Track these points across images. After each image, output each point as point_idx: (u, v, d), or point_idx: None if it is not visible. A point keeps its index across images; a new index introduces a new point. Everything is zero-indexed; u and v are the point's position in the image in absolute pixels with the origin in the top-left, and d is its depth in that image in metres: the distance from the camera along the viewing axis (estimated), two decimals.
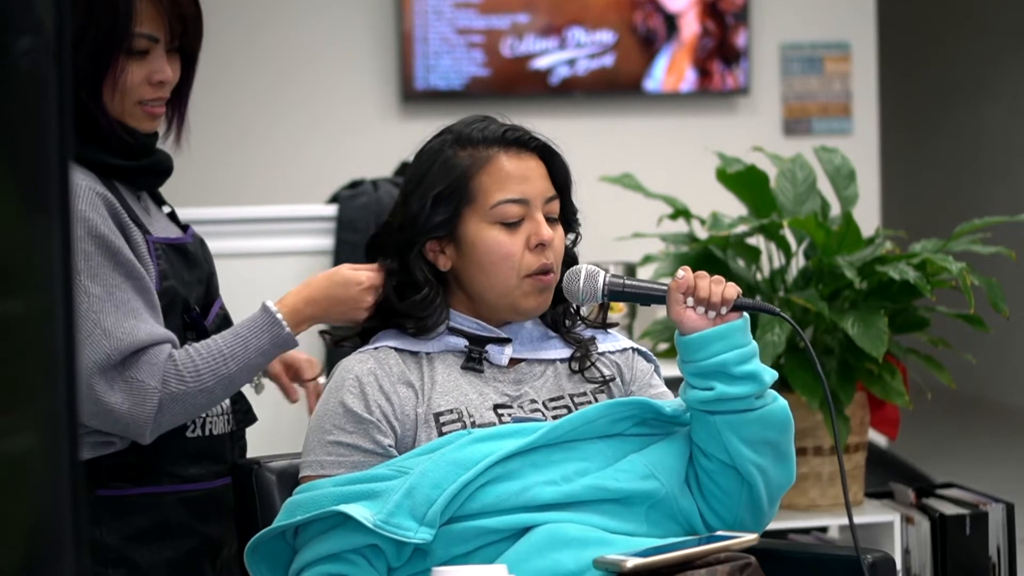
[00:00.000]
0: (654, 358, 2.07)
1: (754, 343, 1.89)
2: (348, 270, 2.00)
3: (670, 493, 1.87)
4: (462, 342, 1.94)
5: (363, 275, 1.98)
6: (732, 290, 1.87)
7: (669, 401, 1.95)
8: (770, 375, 1.89)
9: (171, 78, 2.00)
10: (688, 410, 1.92)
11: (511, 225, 1.93)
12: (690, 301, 1.87)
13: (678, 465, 1.90)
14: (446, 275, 1.97)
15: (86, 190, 1.90)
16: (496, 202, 1.92)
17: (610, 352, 2.03)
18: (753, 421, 1.88)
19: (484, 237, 1.93)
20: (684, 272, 1.88)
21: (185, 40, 2.01)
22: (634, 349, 2.05)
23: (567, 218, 2.01)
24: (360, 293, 1.97)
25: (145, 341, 1.87)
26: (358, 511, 1.75)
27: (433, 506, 1.74)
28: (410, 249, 1.94)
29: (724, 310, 1.87)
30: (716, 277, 1.88)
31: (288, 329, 1.96)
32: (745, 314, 1.90)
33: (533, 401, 1.93)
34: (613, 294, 1.93)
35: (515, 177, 1.93)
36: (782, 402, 1.92)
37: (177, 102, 2.06)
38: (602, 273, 1.93)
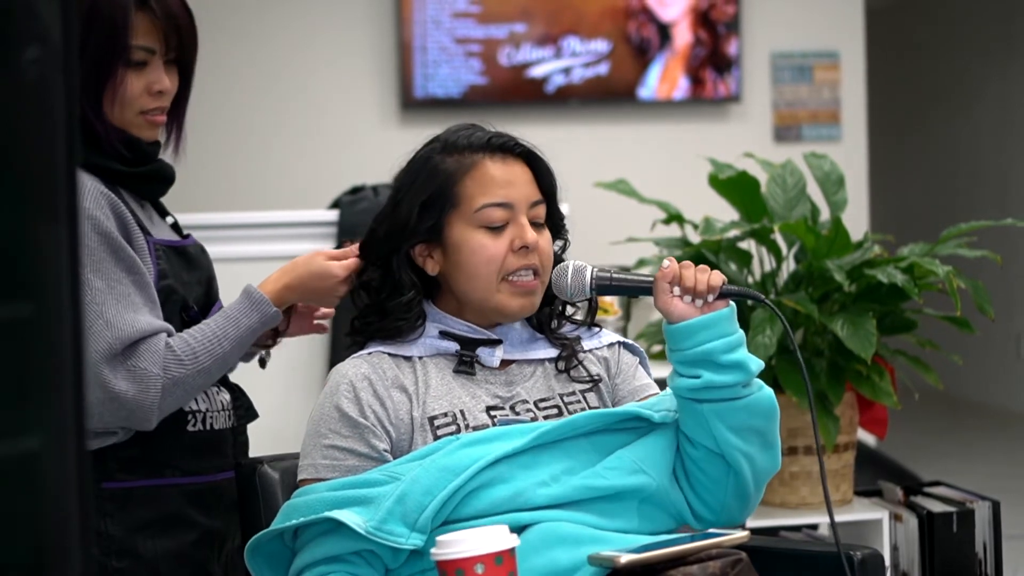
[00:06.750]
0: (640, 350, 2.07)
1: (740, 332, 1.88)
2: (325, 260, 2.08)
3: (660, 486, 1.87)
4: (453, 346, 1.95)
5: (339, 269, 2.07)
6: (717, 278, 1.86)
7: (657, 402, 1.95)
8: (756, 364, 1.87)
9: (169, 88, 2.07)
10: (676, 398, 1.91)
11: (495, 229, 1.94)
12: (676, 290, 1.87)
13: (666, 459, 1.90)
14: (435, 279, 1.99)
15: (92, 190, 1.97)
16: (480, 206, 1.94)
17: (597, 349, 2.04)
18: (740, 409, 1.87)
19: (468, 240, 1.94)
20: (669, 262, 1.88)
21: (181, 52, 2.08)
22: (621, 343, 2.06)
23: (554, 224, 2.02)
24: (335, 285, 2.07)
25: (146, 331, 1.94)
26: (350, 518, 1.76)
27: (424, 512, 1.76)
28: (396, 254, 1.97)
29: (711, 298, 1.86)
30: (701, 266, 1.88)
31: (275, 308, 2.05)
32: (732, 303, 1.89)
33: (524, 402, 1.94)
34: (601, 288, 1.93)
35: (499, 181, 1.95)
36: (768, 391, 1.91)
37: (175, 113, 2.13)
38: (589, 268, 1.93)
